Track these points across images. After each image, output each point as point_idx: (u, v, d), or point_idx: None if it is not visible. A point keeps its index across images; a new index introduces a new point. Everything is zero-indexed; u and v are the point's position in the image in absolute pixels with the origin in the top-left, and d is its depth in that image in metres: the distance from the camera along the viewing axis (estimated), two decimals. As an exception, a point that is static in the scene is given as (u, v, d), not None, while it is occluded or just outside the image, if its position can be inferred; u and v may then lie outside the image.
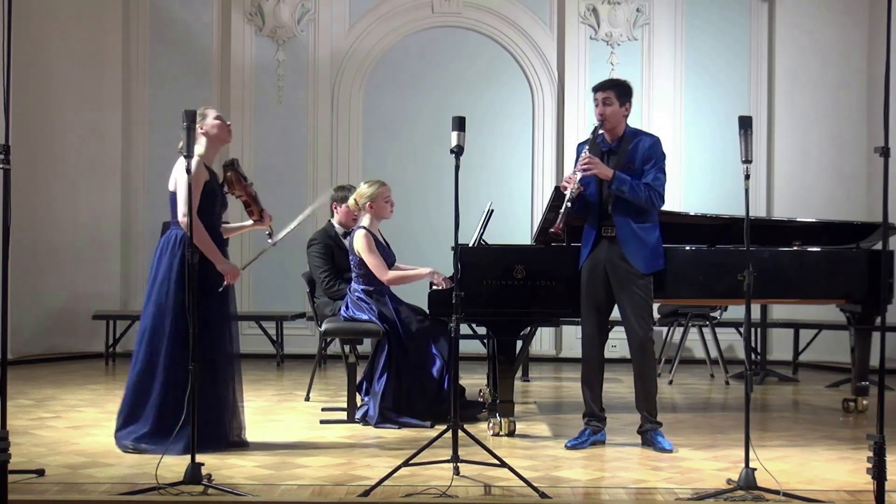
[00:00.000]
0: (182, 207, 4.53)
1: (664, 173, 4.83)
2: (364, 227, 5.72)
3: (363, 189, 5.78)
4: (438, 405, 5.45)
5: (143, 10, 9.33)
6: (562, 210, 4.72)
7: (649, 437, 4.86)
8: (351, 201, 5.91)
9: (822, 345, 8.31)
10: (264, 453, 4.62)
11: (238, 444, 4.73)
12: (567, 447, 4.82)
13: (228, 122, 4.85)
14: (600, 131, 4.89)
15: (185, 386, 4.49)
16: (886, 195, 3.61)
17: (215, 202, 4.73)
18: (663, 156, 4.86)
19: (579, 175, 4.75)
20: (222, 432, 4.65)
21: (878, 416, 3.54)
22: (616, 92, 4.86)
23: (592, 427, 4.94)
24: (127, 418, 4.66)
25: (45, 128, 8.80)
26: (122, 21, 9.26)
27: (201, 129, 4.70)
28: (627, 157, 4.82)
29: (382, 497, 3.73)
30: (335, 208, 6.44)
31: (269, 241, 5.29)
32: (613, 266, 4.84)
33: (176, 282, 4.57)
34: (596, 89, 4.92)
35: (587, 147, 4.85)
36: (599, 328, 5.01)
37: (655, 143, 4.86)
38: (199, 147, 4.68)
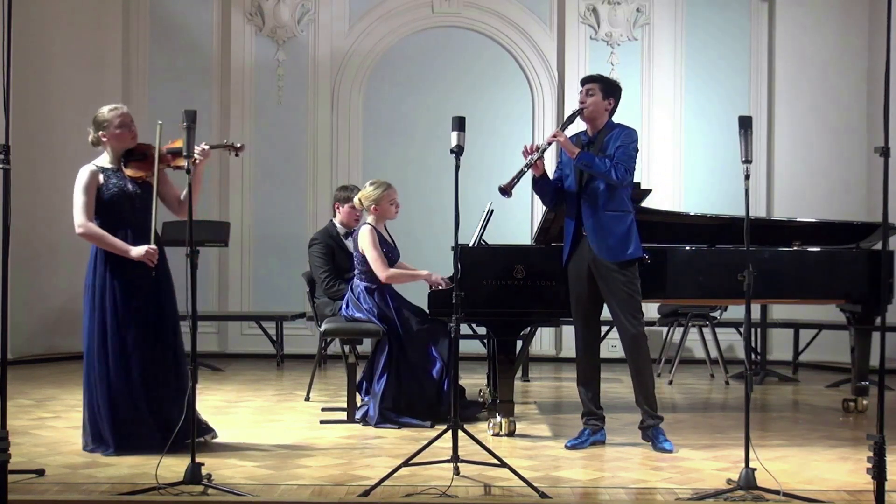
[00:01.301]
0: (75, 217, 4.62)
1: (631, 156, 4.80)
2: (369, 224, 5.73)
3: (368, 191, 5.77)
4: (438, 405, 5.45)
5: (143, 10, 9.32)
6: (517, 172, 4.84)
7: (651, 433, 4.86)
8: (356, 201, 5.91)
9: (822, 345, 8.30)
10: (264, 453, 4.62)
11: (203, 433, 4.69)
12: (567, 447, 4.82)
13: (133, 127, 4.74)
14: (579, 122, 4.95)
15: (104, 394, 4.51)
16: (886, 195, 3.61)
17: (123, 203, 4.67)
18: (636, 148, 4.84)
19: (545, 145, 4.83)
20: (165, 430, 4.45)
21: (878, 416, 3.54)
22: (601, 85, 4.91)
23: (592, 426, 4.94)
24: (84, 429, 4.70)
25: (45, 128, 8.78)
26: (122, 21, 9.25)
27: (104, 138, 4.69)
28: (603, 145, 4.85)
29: (382, 497, 3.73)
30: (337, 208, 6.43)
31: (237, 145, 4.88)
32: (595, 263, 4.85)
33: (85, 293, 4.64)
34: (583, 82, 4.99)
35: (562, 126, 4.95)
36: (590, 328, 5.01)
37: (629, 132, 4.87)
38: (106, 155, 4.71)
